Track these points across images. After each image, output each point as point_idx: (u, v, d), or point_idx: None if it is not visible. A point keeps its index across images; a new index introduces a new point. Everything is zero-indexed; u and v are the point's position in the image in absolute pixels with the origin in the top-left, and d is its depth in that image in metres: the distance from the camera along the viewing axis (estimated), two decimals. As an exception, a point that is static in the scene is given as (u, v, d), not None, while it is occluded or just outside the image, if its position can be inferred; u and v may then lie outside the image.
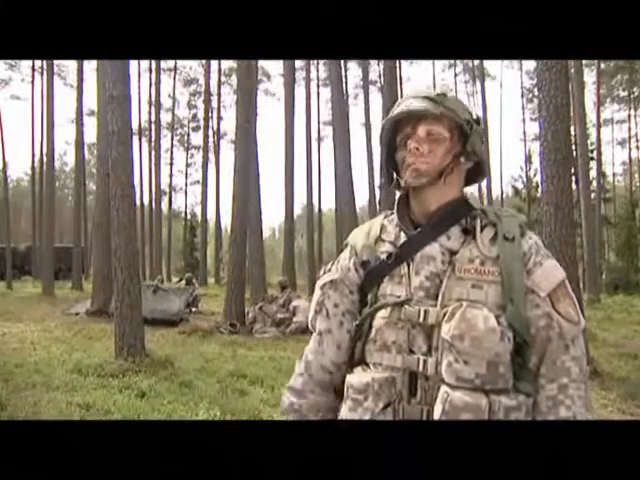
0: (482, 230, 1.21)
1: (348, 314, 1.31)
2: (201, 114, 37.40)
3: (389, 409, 1.17)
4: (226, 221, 30.23)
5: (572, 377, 1.15)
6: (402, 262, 1.23)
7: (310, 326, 1.38)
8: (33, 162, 35.05)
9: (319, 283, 1.36)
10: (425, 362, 1.17)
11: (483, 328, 1.10)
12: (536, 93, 9.30)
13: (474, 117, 1.27)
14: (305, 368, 1.35)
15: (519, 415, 1.12)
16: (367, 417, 1.17)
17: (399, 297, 1.21)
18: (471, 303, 1.14)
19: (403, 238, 1.26)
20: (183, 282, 17.61)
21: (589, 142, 24.91)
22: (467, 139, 1.24)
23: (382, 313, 1.23)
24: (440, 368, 1.14)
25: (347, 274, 1.31)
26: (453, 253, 1.20)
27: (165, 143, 38.59)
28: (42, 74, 30.52)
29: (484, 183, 30.01)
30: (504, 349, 1.12)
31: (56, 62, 26.54)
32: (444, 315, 1.15)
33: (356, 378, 1.22)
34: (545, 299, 1.16)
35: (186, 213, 40.39)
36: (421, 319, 1.18)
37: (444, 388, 1.12)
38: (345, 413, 1.22)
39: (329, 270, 1.36)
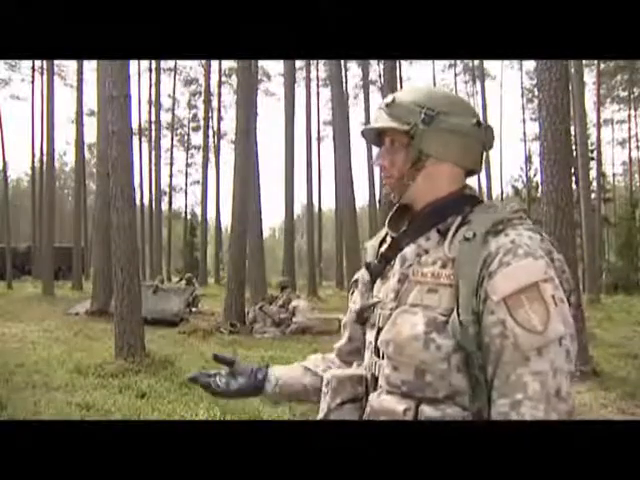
0: (458, 229, 1.14)
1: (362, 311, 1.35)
2: (201, 114, 37.44)
3: (352, 405, 1.21)
4: (226, 221, 30.24)
5: (528, 394, 1.00)
6: (387, 263, 1.25)
7: None
8: (33, 162, 35.10)
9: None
10: (376, 364, 1.20)
11: (406, 335, 1.09)
12: (536, 93, 9.30)
13: (424, 114, 1.17)
14: (334, 356, 1.46)
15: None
16: (324, 411, 1.23)
17: (378, 299, 1.25)
18: (408, 307, 1.13)
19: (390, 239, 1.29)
20: (183, 282, 17.61)
21: (589, 142, 24.91)
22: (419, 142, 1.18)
23: (366, 314, 1.28)
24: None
25: (363, 273, 1.35)
26: (426, 254, 1.18)
27: (165, 143, 38.70)
28: (42, 74, 30.56)
29: (484, 183, 30.04)
30: (431, 358, 1.06)
31: (56, 62, 26.52)
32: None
33: (326, 373, 1.28)
34: (499, 304, 1.03)
35: (186, 213, 40.44)
36: (379, 322, 1.21)
37: (376, 391, 1.16)
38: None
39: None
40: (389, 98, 1.24)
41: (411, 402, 1.09)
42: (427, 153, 1.19)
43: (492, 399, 1.05)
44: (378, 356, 1.20)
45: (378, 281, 1.28)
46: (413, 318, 1.10)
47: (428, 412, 1.06)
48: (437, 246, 1.16)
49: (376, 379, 1.20)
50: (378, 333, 1.21)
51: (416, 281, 1.15)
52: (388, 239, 1.30)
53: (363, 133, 1.31)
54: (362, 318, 1.31)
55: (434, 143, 1.18)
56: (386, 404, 1.11)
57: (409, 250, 1.20)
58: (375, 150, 1.31)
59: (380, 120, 1.23)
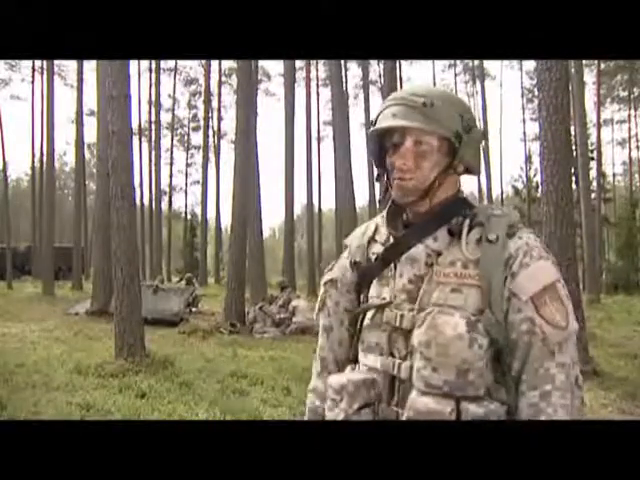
0: (470, 231, 1.18)
1: (347, 312, 1.32)
2: (201, 114, 37.38)
3: (367, 410, 1.18)
4: (226, 221, 30.23)
5: (556, 384, 1.09)
6: (389, 264, 1.24)
7: (315, 322, 1.42)
8: (33, 162, 35.08)
9: (322, 280, 1.39)
10: (400, 365, 1.17)
11: (450, 335, 1.09)
12: (536, 93, 9.31)
13: (466, 122, 1.20)
14: (322, 367, 1.38)
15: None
16: (341, 417, 1.17)
17: (384, 299, 1.23)
18: (443, 308, 1.12)
19: (392, 239, 1.26)
20: (183, 282, 17.62)
21: (589, 142, 24.88)
22: (456, 152, 1.19)
23: (368, 314, 1.26)
24: (412, 373, 1.14)
25: (345, 273, 1.33)
26: (439, 255, 1.18)
27: (165, 143, 38.62)
28: (42, 74, 30.55)
29: (484, 183, 30.08)
30: (473, 356, 1.08)
31: (56, 62, 26.50)
32: (418, 320, 1.15)
33: (335, 378, 1.23)
34: (527, 303, 1.11)
35: (186, 213, 40.39)
36: (397, 323, 1.19)
37: (413, 393, 1.13)
38: (325, 413, 1.23)
39: (331, 269, 1.38)
40: (421, 99, 1.18)
41: (452, 402, 1.09)
42: (466, 161, 1.21)
43: (521, 391, 1.11)
44: (393, 356, 1.19)
45: (375, 282, 1.26)
46: (453, 319, 1.10)
47: (473, 410, 1.08)
48: (450, 247, 1.18)
49: (393, 379, 1.19)
50: (390, 335, 1.20)
51: (438, 282, 1.16)
52: (379, 239, 1.29)
53: (376, 130, 1.23)
54: (355, 319, 1.29)
55: (468, 152, 1.21)
56: (431, 405, 1.10)
57: (417, 251, 1.20)
58: None
59: (415, 120, 1.17)
